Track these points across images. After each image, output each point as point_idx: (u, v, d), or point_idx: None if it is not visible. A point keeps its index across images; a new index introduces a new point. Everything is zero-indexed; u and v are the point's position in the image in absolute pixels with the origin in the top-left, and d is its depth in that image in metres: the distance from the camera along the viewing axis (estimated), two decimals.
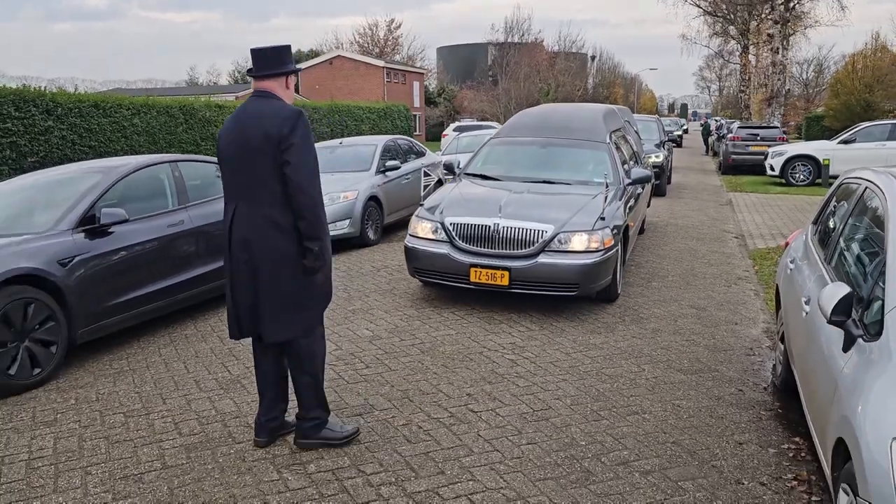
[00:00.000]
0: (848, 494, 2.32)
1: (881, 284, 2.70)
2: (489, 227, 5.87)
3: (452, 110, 56.38)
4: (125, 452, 3.51)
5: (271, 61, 3.32)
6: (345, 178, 9.56)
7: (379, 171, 10.04)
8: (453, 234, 6.02)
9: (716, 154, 28.61)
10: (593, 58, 76.41)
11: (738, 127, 22.43)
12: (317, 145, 11.87)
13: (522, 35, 62.23)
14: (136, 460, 3.43)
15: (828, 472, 2.72)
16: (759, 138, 20.42)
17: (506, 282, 5.74)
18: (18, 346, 4.38)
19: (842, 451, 2.44)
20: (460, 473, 3.30)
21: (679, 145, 36.75)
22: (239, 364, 4.81)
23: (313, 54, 60.19)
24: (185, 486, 3.16)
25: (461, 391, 4.30)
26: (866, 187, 3.54)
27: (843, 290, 2.74)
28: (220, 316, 5.92)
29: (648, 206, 10.06)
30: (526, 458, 3.45)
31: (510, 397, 4.22)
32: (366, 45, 66.37)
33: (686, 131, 49.25)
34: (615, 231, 6.03)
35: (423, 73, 58.16)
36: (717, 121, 41.96)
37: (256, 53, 3.33)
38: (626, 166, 7.49)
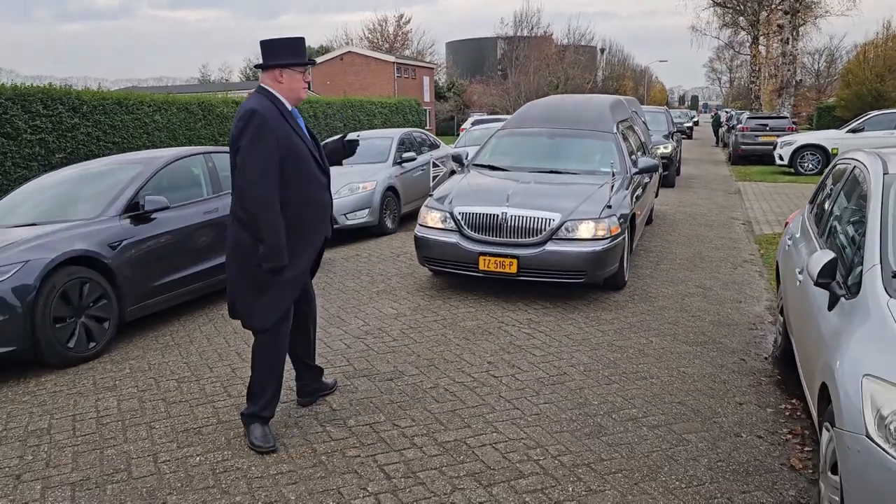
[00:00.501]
0: (829, 431, 2.65)
1: (861, 250, 3.03)
2: (497, 216, 5.98)
3: (462, 105, 56.65)
4: (182, 411, 3.90)
5: (263, 55, 3.39)
6: (363, 170, 9.93)
7: (396, 163, 10.41)
8: (462, 223, 6.13)
9: (726, 145, 28.77)
10: (602, 50, 76.43)
11: (748, 118, 22.60)
12: (335, 138, 12.22)
13: (532, 29, 62.30)
14: (193, 417, 3.82)
15: (815, 418, 3.06)
16: (768, 128, 20.60)
17: (514, 269, 5.86)
18: (76, 321, 4.78)
19: (825, 396, 2.78)
20: (485, 427, 3.66)
21: (690, 137, 36.86)
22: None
23: (324, 50, 60.61)
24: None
25: (482, 360, 4.66)
26: (855, 166, 3.86)
27: (829, 255, 3.07)
28: None
29: (656, 196, 10.07)
30: (543, 415, 3.81)
31: (528, 365, 4.57)
32: (375, 40, 66.75)
33: (696, 123, 49.29)
34: (622, 219, 6.13)
35: (432, 68, 58.44)
36: (727, 112, 41.97)
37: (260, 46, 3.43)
38: (633, 156, 7.58)
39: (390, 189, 9.96)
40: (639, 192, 7.26)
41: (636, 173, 7.19)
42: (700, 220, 10.56)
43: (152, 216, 5.51)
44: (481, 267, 5.95)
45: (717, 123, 36.72)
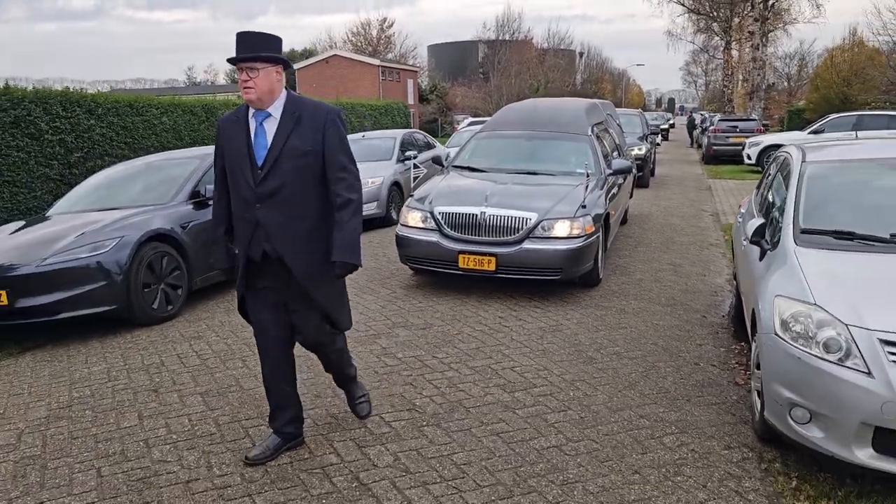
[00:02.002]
0: (755, 341, 3.76)
1: (782, 215, 4.15)
2: (476, 215, 6.16)
3: (444, 107, 57.77)
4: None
5: None
6: (370, 167, 10.96)
7: (399, 161, 11.46)
8: (442, 222, 6.30)
9: (700, 146, 30.14)
10: (581, 54, 77.97)
11: (719, 120, 23.98)
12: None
13: (513, 33, 63.57)
14: None
15: (750, 337, 4.16)
16: (738, 130, 21.95)
17: (493, 267, 6.05)
18: (158, 287, 5.77)
19: (755, 319, 3.87)
20: (503, 358, 4.74)
21: (666, 138, 38.24)
22: None
23: (307, 53, 61.39)
24: (311, 357, 4.57)
25: (494, 315, 5.74)
26: (785, 156, 5.00)
27: (759, 221, 4.20)
28: None
29: (631, 197, 10.32)
30: (547, 350, 4.90)
31: (531, 318, 5.66)
32: (359, 43, 67.59)
33: (673, 125, 50.77)
34: (596, 219, 6.32)
35: (416, 71, 59.46)
36: (701, 115, 43.53)
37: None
38: (607, 158, 7.82)
39: (395, 184, 11.01)
40: (613, 192, 7.47)
41: (610, 174, 7.45)
42: (673, 212, 11.74)
43: (209, 202, 6.51)
44: (461, 265, 6.15)
45: (691, 125, 38.18)
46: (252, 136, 3.09)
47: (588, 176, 6.85)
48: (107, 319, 5.54)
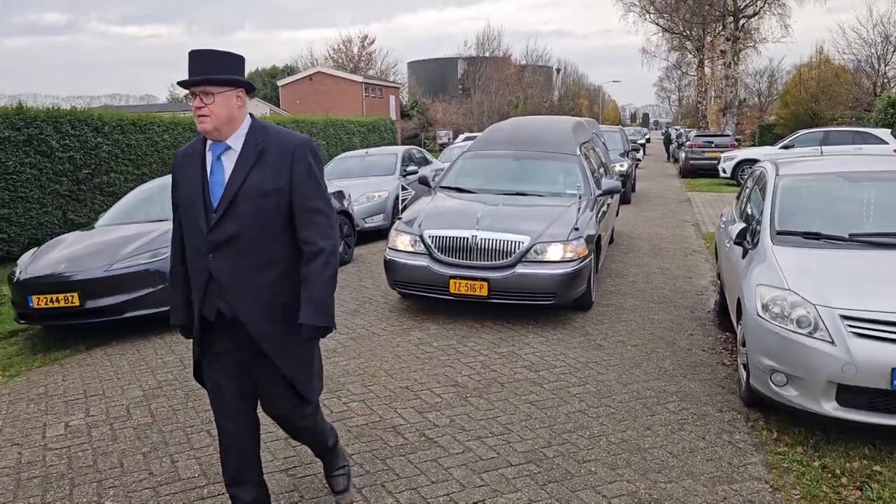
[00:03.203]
0: (740, 324, 4.52)
1: (761, 219, 4.94)
2: (467, 238, 6.03)
3: (426, 123, 58.72)
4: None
5: None
6: (376, 181, 11.68)
7: (401, 175, 12.19)
8: (432, 246, 6.16)
9: (676, 160, 31.29)
10: (559, 71, 79.56)
11: (695, 136, 25.10)
12: (347, 154, 13.96)
13: (493, 51, 64.82)
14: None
15: (735, 322, 4.92)
16: (713, 145, 23.02)
17: (485, 292, 5.92)
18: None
19: (738, 307, 4.64)
20: (524, 346, 5.47)
21: (643, 153, 39.39)
22: (344, 305, 6.94)
23: (289, 70, 61.98)
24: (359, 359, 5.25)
25: (510, 312, 6.47)
26: (762, 170, 5.81)
27: (741, 225, 4.99)
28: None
29: (617, 215, 10.24)
30: (561, 339, 5.65)
31: (543, 314, 6.40)
32: (340, 60, 68.42)
33: (648, 140, 52.17)
34: (588, 241, 6.23)
35: (398, 88, 60.40)
36: (677, 130, 44.88)
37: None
38: (596, 177, 7.74)
39: (398, 197, 11.72)
40: (603, 212, 7.38)
41: (600, 195, 7.35)
42: (657, 222, 12.60)
43: None
44: (452, 290, 6.00)
45: (667, 140, 39.42)
46: (208, 172, 2.63)
47: (580, 197, 6.81)
48: (164, 319, 6.16)
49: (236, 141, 2.63)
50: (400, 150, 13.10)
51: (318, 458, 3.32)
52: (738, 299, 4.61)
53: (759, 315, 4.07)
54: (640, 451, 3.75)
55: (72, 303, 5.77)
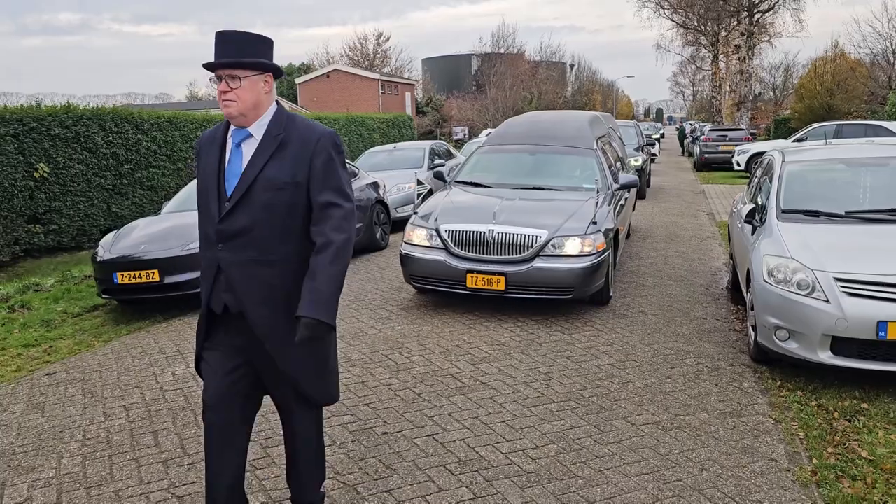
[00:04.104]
0: (749, 292, 5.16)
1: (768, 200, 5.58)
2: (484, 233, 6.02)
3: (440, 119, 59.38)
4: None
5: None
6: (405, 174, 12.36)
7: (429, 168, 12.86)
8: (448, 241, 6.16)
9: (691, 154, 31.74)
10: (572, 66, 79.90)
11: (710, 129, 25.58)
12: (377, 149, 14.67)
13: (508, 48, 65.31)
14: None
15: (744, 289, 5.56)
16: (727, 139, 23.52)
17: (502, 286, 5.91)
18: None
19: (747, 277, 5.27)
20: (557, 313, 6.13)
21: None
22: (389, 283, 7.63)
23: (305, 68, 62.85)
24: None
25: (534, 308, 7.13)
26: (770, 158, 6.44)
27: (751, 206, 5.63)
28: (369, 258, 8.70)
29: (633, 210, 10.23)
30: (588, 309, 6.31)
31: None
32: (356, 57, 69.21)
33: (663, 135, 52.49)
34: (607, 235, 6.23)
35: (413, 84, 61.08)
36: (691, 124, 45.24)
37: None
38: (613, 172, 7.72)
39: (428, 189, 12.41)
40: (620, 206, 7.38)
41: (618, 189, 7.34)
42: (674, 211, 13.21)
43: None
44: (468, 284, 6.01)
45: (682, 135, 39.82)
46: (226, 159, 2.57)
47: (597, 191, 6.76)
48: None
49: (258, 129, 2.55)
50: (427, 144, 13.78)
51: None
52: (748, 270, 5.25)
53: (765, 280, 4.71)
54: (662, 393, 4.41)
55: (153, 278, 6.50)
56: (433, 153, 13.46)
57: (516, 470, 3.46)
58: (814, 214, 5.15)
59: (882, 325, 4.13)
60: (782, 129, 41.73)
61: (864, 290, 4.26)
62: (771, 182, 5.82)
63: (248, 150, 2.55)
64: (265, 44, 2.58)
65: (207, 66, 2.48)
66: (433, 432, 3.89)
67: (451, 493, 3.26)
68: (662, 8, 42.04)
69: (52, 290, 8.10)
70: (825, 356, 4.35)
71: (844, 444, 3.72)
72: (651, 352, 5.19)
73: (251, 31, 2.55)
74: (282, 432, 2.88)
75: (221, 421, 2.58)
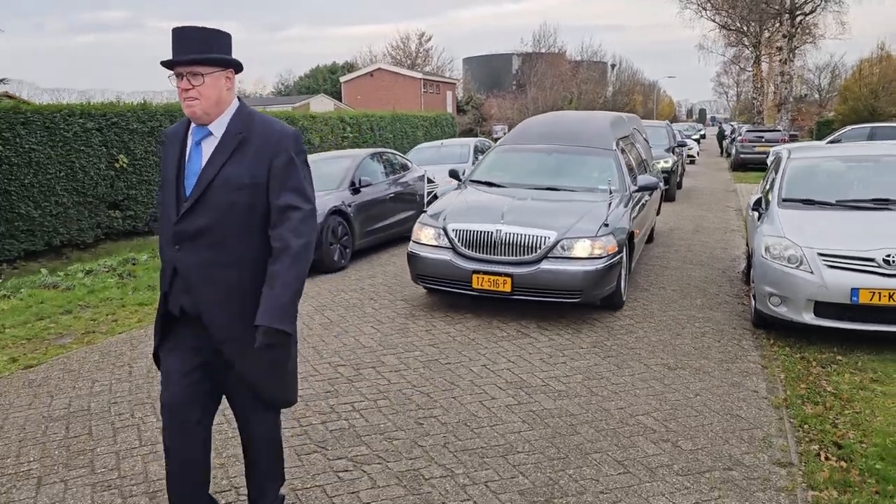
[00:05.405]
0: (752, 269, 6.06)
1: (773, 191, 6.47)
2: (491, 233, 5.93)
3: (480, 118, 60.34)
4: (402, 283, 7.38)
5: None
6: (458, 168, 13.40)
7: (474, 163, 13.89)
8: (455, 240, 6.08)
9: (729, 155, 32.13)
10: (613, 66, 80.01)
11: (746, 130, 26.10)
12: (424, 145, 15.73)
13: (549, 47, 65.93)
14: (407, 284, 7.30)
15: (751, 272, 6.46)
16: (763, 140, 24.04)
17: (508, 288, 5.81)
18: (336, 246, 8.26)
19: (749, 257, 6.18)
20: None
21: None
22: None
23: (348, 66, 64.41)
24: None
25: None
26: (779, 154, 7.32)
27: (758, 195, 6.54)
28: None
29: (658, 213, 10.09)
30: None
31: None
32: (398, 57, 70.61)
33: (703, 136, 52.47)
34: (619, 238, 6.08)
35: (454, 84, 62.13)
36: (731, 125, 45.37)
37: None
38: (632, 173, 7.57)
39: None
40: (638, 209, 7.19)
41: (636, 191, 7.19)
42: (702, 207, 14.02)
43: (362, 189, 9.01)
44: (474, 285, 5.93)
45: (721, 136, 40.03)
46: (186, 158, 2.55)
47: (611, 192, 6.64)
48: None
49: (218, 127, 2.52)
50: (472, 141, 14.84)
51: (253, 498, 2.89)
52: (751, 249, 6.17)
53: (762, 256, 5.64)
54: (671, 345, 5.38)
55: None
56: (477, 150, 14.49)
57: (550, 388, 4.50)
58: (809, 202, 6.04)
59: (854, 291, 5.03)
60: (825, 130, 41.45)
61: (841, 263, 5.16)
62: (777, 175, 6.71)
63: (208, 148, 2.52)
64: (225, 38, 2.55)
65: (166, 64, 2.46)
66: (485, 364, 4.96)
67: (501, 400, 4.32)
68: (704, 9, 42.31)
69: (147, 263, 9.36)
70: (809, 317, 5.26)
71: (815, 382, 4.64)
72: (666, 317, 6.15)
73: (210, 27, 2.51)
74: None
75: (181, 421, 2.58)
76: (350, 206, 8.62)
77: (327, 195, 8.46)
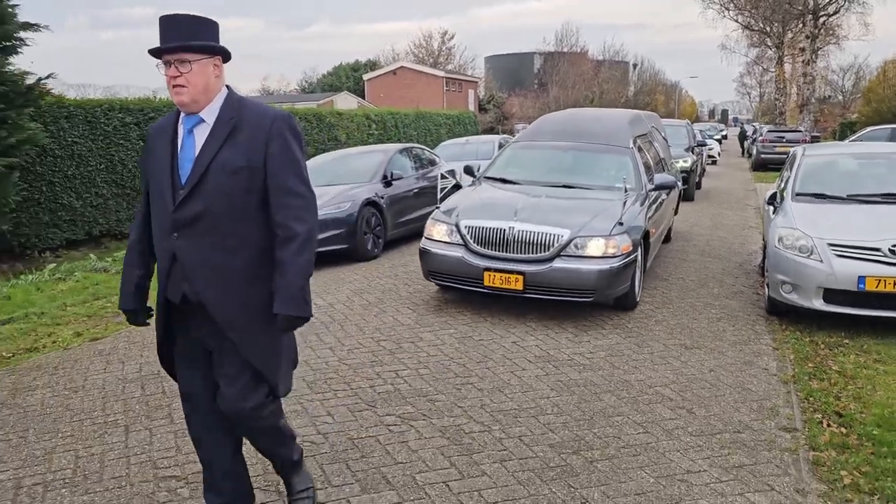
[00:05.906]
0: (765, 259, 6.41)
1: (787, 186, 6.82)
2: (504, 230, 5.89)
3: (501, 116, 60.64)
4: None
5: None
6: (478, 164, 13.81)
7: None
8: (468, 237, 6.04)
9: (751, 155, 32.20)
10: (635, 66, 79.85)
11: (767, 131, 26.23)
12: (450, 142, 16.20)
13: (571, 47, 66.05)
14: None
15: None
16: (784, 140, 24.17)
17: (520, 286, 5.76)
18: (370, 235, 8.72)
19: (765, 248, 6.53)
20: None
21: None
22: None
23: (371, 64, 64.99)
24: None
25: None
26: (794, 152, 7.64)
27: (773, 189, 6.89)
28: None
29: (676, 213, 10.00)
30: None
31: None
32: (421, 55, 71.09)
33: (725, 136, 52.33)
34: (634, 237, 6.03)
35: (476, 82, 62.47)
36: (753, 126, 45.29)
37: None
38: (649, 172, 7.50)
39: None
40: (655, 208, 7.13)
41: (652, 190, 7.12)
42: (722, 206, 14.33)
43: (393, 182, 9.46)
44: (486, 282, 5.89)
45: (742, 136, 40.04)
46: (178, 147, 2.56)
47: (627, 191, 6.62)
48: (339, 255, 8.50)
49: (209, 114, 2.53)
50: (496, 138, 15.27)
51: (281, 478, 3.07)
52: (766, 240, 6.52)
53: (776, 246, 6.00)
54: (688, 328, 5.76)
55: None
56: (501, 146, 14.89)
57: (576, 362, 4.92)
58: (820, 196, 6.39)
59: (861, 279, 5.38)
60: (847, 132, 41.23)
61: (849, 252, 5.51)
62: (791, 171, 7.05)
63: (201, 135, 2.53)
64: (212, 26, 2.56)
65: (154, 52, 2.48)
66: (515, 340, 5.39)
67: (531, 371, 4.76)
68: (727, 9, 42.28)
69: None
70: (819, 304, 5.61)
71: (822, 362, 5.01)
72: (684, 304, 6.52)
73: (198, 14, 2.52)
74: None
75: (202, 410, 2.74)
76: (383, 197, 9.07)
77: (361, 187, 8.92)
